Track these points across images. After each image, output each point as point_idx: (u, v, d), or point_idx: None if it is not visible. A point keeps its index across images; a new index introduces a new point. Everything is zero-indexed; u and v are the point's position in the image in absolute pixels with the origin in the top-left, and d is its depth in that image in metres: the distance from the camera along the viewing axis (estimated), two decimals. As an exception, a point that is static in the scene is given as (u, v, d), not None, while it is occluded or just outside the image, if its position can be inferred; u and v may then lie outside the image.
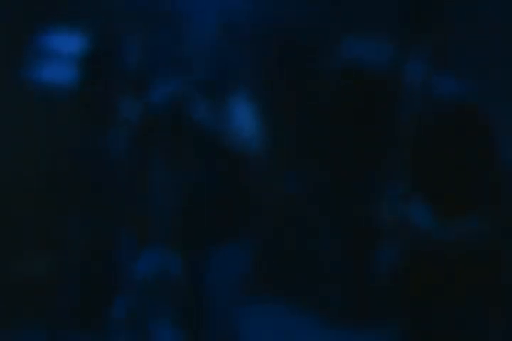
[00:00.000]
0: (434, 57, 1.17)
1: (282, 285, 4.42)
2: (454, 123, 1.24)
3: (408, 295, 1.40)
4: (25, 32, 3.90)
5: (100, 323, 2.80)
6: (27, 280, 3.48)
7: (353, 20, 4.38)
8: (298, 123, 4.88)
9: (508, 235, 1.35)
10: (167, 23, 3.94)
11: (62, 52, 4.04)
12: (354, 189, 4.03)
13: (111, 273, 2.94)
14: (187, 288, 2.38)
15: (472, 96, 1.29)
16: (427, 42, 1.21)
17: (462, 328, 1.36)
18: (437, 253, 1.31)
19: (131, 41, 4.05)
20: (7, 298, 3.46)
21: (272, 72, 4.72)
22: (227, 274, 2.20)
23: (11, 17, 3.82)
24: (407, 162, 1.23)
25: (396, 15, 1.46)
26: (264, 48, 4.61)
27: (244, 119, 2.12)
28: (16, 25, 3.84)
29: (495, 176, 1.27)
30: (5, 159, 3.75)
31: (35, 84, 3.93)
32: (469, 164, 1.25)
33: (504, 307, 1.46)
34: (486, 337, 1.39)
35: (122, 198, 3.03)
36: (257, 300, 2.34)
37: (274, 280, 4.29)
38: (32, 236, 3.69)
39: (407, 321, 1.44)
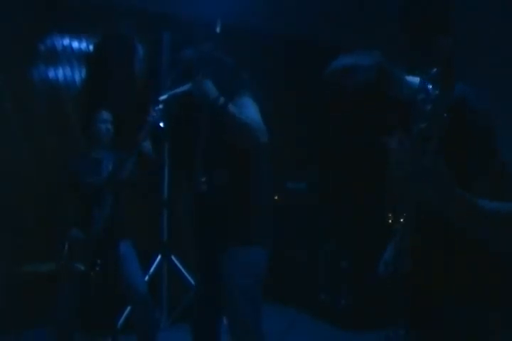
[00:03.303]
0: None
1: (287, 290, 4.41)
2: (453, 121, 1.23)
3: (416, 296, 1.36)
4: (35, 32, 3.94)
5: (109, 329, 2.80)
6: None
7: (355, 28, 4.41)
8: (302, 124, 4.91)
9: None
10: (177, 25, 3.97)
11: (72, 53, 4.08)
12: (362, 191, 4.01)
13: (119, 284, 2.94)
14: (205, 292, 2.32)
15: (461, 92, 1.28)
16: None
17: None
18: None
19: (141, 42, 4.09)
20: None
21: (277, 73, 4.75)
22: (247, 278, 2.15)
23: (20, 18, 3.85)
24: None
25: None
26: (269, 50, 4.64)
27: (253, 118, 2.10)
28: (25, 26, 3.88)
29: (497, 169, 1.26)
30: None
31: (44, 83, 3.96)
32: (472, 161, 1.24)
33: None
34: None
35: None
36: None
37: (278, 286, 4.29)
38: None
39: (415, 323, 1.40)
